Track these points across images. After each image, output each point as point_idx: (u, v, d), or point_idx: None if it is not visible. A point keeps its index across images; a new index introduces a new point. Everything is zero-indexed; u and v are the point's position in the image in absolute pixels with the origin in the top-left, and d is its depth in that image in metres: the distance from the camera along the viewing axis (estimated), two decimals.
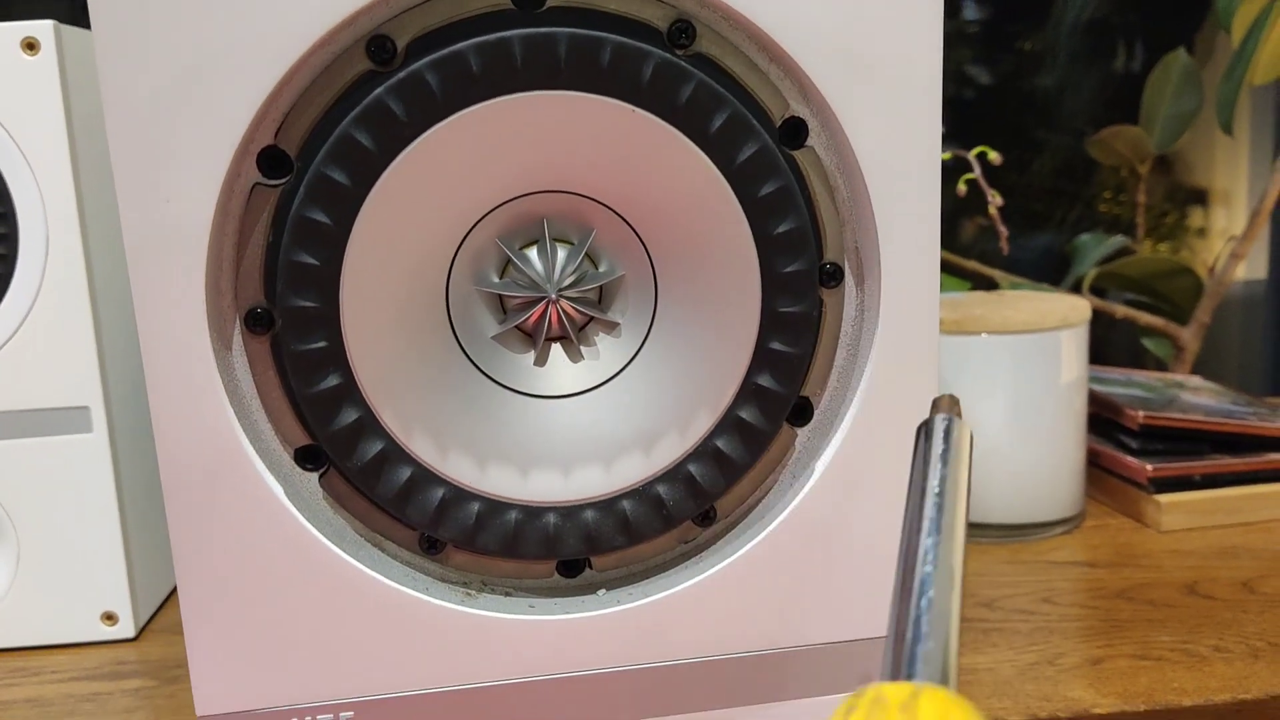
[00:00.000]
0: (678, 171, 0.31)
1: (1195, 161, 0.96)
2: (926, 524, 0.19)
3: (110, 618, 0.50)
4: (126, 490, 0.50)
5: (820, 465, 0.33)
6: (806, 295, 0.32)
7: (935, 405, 0.23)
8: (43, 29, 0.47)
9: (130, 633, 0.50)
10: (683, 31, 0.31)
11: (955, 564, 0.19)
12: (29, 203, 0.48)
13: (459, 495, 0.32)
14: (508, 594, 0.34)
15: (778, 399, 0.33)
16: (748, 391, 0.33)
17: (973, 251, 0.86)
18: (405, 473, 0.32)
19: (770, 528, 0.33)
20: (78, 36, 0.49)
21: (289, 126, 0.30)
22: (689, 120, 0.31)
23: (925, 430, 0.22)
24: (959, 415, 0.22)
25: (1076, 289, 0.84)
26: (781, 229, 0.31)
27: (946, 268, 0.79)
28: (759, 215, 0.31)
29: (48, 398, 0.49)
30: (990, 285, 0.81)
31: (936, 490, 0.20)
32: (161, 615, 0.53)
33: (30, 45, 0.47)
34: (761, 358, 0.32)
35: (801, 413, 0.34)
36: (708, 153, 0.31)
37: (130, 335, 0.51)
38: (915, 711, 0.17)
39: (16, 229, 0.48)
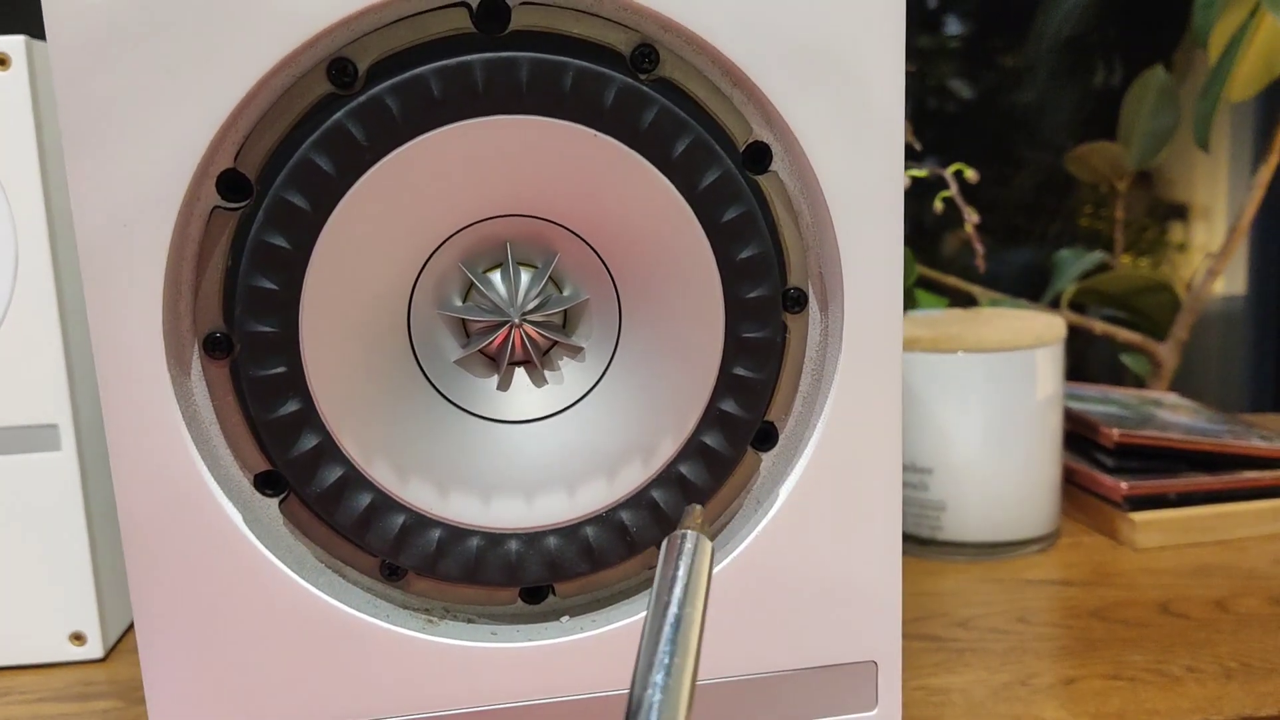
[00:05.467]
0: (641, 196, 0.31)
1: (1175, 177, 0.97)
2: (659, 656, 0.21)
3: (78, 638, 0.50)
4: (95, 509, 0.50)
5: (784, 490, 0.33)
6: (770, 321, 0.32)
7: (686, 515, 0.26)
8: (14, 44, 0.47)
9: (99, 653, 0.50)
10: (646, 56, 0.31)
11: (682, 699, 0.20)
12: None
13: (420, 522, 0.32)
14: (470, 621, 0.34)
15: (742, 424, 0.32)
16: (711, 417, 0.32)
17: (953, 266, 0.86)
18: (365, 499, 0.31)
19: (735, 553, 0.33)
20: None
21: (248, 149, 0.30)
22: (652, 145, 0.30)
23: (671, 546, 0.24)
24: (707, 533, 0.25)
25: (1056, 304, 0.84)
26: (745, 254, 0.31)
27: (925, 284, 0.79)
28: (722, 241, 0.31)
29: (15, 415, 0.48)
30: (969, 301, 0.81)
31: (673, 618, 0.22)
32: (130, 636, 0.53)
33: (1, 60, 0.47)
34: (725, 383, 0.32)
35: (766, 438, 0.34)
36: (670, 178, 0.31)
37: None
38: None
39: None
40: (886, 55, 0.31)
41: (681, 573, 0.23)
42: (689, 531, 0.24)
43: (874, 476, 0.33)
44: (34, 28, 0.49)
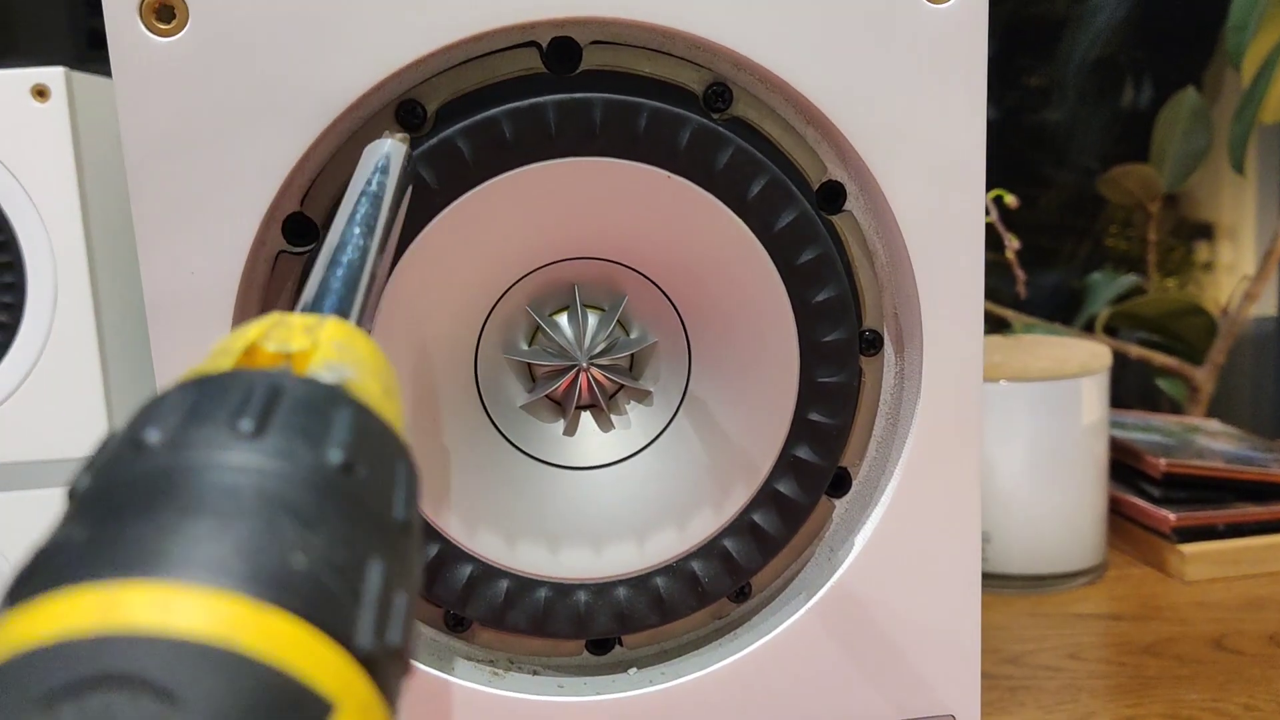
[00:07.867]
0: (714, 238, 0.30)
1: (1202, 197, 0.96)
2: (360, 216, 0.23)
3: None
4: None
5: (860, 539, 0.32)
6: (847, 364, 0.31)
7: (389, 134, 0.27)
8: (53, 76, 0.46)
9: None
10: (719, 95, 0.30)
11: (373, 248, 0.22)
12: (38, 252, 0.47)
13: (487, 572, 0.31)
14: (535, 673, 0.33)
15: (816, 471, 0.32)
16: (785, 464, 0.32)
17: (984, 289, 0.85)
18: (432, 550, 0.30)
19: (809, 604, 0.32)
20: (88, 83, 0.48)
21: (315, 193, 0.29)
22: (726, 186, 0.30)
23: (374, 147, 0.26)
24: (408, 146, 0.27)
25: (1089, 328, 0.84)
26: (821, 297, 0.31)
27: None
28: (797, 283, 0.30)
29: (55, 449, 0.48)
30: (1002, 325, 0.80)
31: (374, 193, 0.24)
32: None
33: (40, 92, 0.46)
34: (800, 429, 0.31)
35: (840, 484, 0.33)
36: (745, 219, 0.30)
37: (139, 386, 0.50)
38: (319, 332, 0.18)
39: (24, 278, 0.47)
40: (966, 89, 0.31)
41: (380, 163, 0.25)
42: (392, 138, 0.26)
43: (952, 523, 0.32)
44: (73, 60, 0.49)
